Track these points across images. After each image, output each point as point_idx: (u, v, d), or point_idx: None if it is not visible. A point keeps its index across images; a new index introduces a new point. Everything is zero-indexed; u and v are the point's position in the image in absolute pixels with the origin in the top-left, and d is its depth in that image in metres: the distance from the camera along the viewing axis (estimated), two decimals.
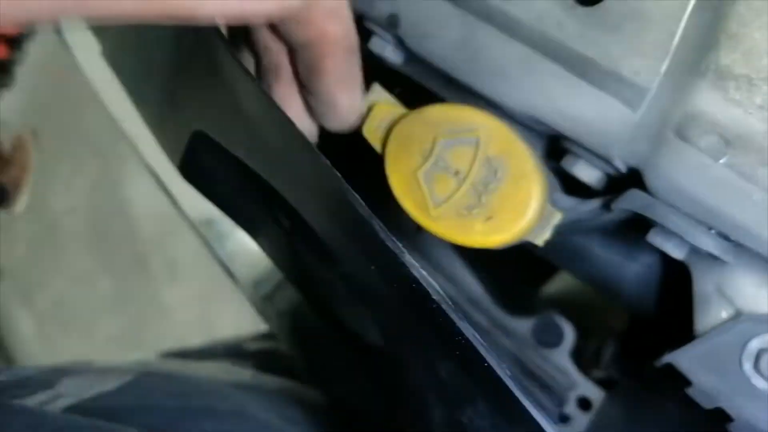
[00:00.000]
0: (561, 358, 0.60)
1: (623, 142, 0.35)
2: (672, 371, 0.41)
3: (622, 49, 0.33)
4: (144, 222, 1.54)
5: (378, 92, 0.42)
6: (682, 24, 0.31)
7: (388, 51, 0.43)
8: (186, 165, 0.55)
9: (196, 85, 0.53)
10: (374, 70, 0.47)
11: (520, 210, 0.37)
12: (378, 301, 0.39)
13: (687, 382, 0.39)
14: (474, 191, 0.38)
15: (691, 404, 0.49)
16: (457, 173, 0.38)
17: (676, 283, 0.47)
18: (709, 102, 0.32)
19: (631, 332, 0.59)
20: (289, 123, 0.42)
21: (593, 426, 0.58)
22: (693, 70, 0.32)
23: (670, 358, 0.39)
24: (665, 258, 0.47)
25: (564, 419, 0.58)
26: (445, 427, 0.37)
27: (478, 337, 0.34)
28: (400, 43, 0.42)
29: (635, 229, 0.43)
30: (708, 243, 0.34)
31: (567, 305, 0.65)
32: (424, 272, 0.36)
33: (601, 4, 0.34)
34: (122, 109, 0.68)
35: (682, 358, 0.38)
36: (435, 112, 0.39)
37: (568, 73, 0.35)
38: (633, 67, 0.33)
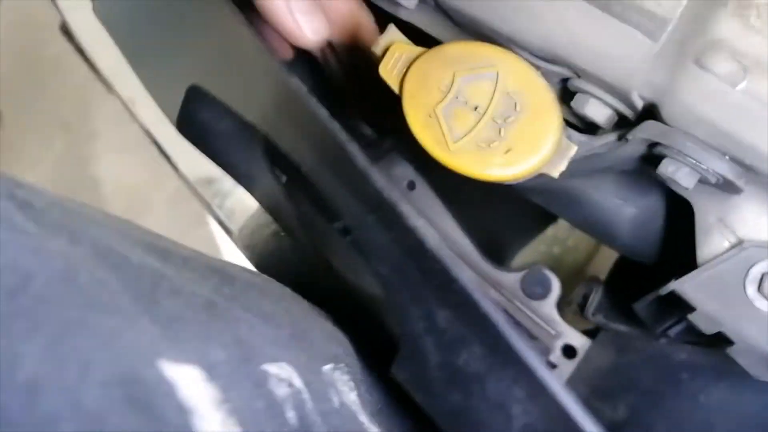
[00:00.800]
0: (548, 309, 0.61)
1: (643, 73, 0.36)
2: (670, 303, 0.43)
3: None
4: (113, 199, 1.51)
5: (393, 32, 0.43)
6: None
7: None
8: (183, 121, 0.56)
9: (192, 38, 0.53)
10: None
11: (538, 142, 0.39)
12: (377, 251, 0.40)
13: (688, 310, 0.41)
14: (493, 125, 0.40)
15: (681, 338, 0.52)
16: (476, 108, 0.40)
17: (671, 227, 0.49)
18: (729, 30, 0.34)
19: (615, 280, 0.61)
20: (286, 74, 0.42)
21: (578, 372, 0.60)
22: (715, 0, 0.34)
23: (675, 285, 0.41)
24: (663, 202, 0.49)
25: (550, 367, 0.60)
26: (441, 371, 0.39)
27: (474, 282, 0.35)
28: None
29: (636, 172, 0.45)
30: (723, 168, 0.36)
31: None
32: (421, 221, 0.37)
33: None
34: (116, 71, 0.68)
35: (687, 286, 0.41)
36: (454, 48, 0.41)
37: (591, 6, 0.37)
38: None
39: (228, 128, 0.54)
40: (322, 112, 0.39)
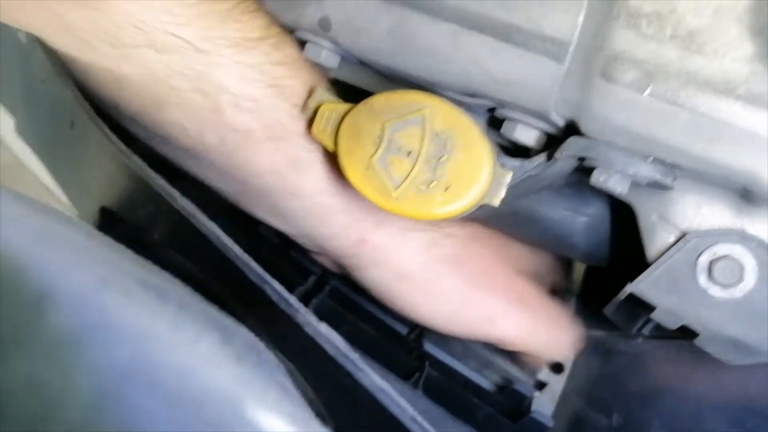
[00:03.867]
0: None
1: (556, 94, 0.38)
2: (634, 303, 0.44)
3: (541, 10, 0.36)
4: None
5: (321, 94, 0.45)
6: None
7: (324, 56, 0.45)
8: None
9: (90, 162, 0.53)
10: None
11: (474, 175, 0.40)
12: (297, 354, 0.40)
13: (651, 308, 0.42)
14: (428, 166, 0.41)
15: (655, 334, 0.53)
16: (409, 153, 0.41)
17: (623, 227, 0.50)
18: (625, 41, 0.35)
19: (589, 287, 0.62)
20: (176, 195, 0.42)
21: (569, 385, 0.60)
22: (607, 16, 0.35)
23: (630, 288, 0.42)
24: (609, 205, 0.51)
25: (541, 386, 0.60)
26: None
27: (379, 383, 0.36)
28: (335, 44, 0.45)
29: (578, 183, 0.46)
30: (648, 170, 0.37)
31: None
32: (323, 327, 0.37)
33: None
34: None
35: (642, 286, 0.41)
36: (380, 100, 0.42)
37: (496, 40, 0.38)
38: (553, 24, 0.36)
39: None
40: (215, 232, 0.40)
